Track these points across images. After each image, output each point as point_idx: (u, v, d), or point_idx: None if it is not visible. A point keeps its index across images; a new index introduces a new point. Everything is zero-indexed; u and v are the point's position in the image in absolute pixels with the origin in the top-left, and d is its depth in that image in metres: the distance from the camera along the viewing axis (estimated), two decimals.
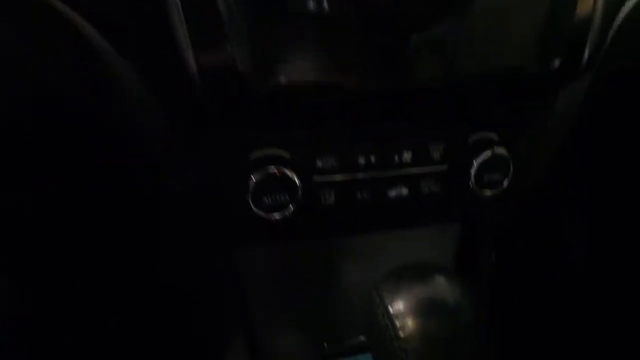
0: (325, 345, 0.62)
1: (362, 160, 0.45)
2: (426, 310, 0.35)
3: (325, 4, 0.34)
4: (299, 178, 0.42)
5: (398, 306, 0.36)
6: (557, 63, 0.42)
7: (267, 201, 0.42)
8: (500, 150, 0.46)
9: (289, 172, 0.41)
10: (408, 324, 0.35)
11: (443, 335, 0.35)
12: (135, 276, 0.50)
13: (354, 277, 0.61)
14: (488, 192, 0.48)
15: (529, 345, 0.66)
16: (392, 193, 0.48)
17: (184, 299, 0.54)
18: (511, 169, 0.47)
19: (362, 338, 0.63)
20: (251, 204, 0.41)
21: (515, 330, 0.66)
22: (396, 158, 0.46)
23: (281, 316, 0.60)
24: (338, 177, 0.45)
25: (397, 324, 0.35)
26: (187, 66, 0.35)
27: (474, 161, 0.46)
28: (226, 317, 0.56)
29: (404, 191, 0.48)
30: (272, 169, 0.41)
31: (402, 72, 0.38)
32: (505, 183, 0.48)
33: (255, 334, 0.60)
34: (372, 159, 0.45)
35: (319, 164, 0.44)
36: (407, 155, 0.46)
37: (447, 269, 0.38)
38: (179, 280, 0.53)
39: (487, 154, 0.46)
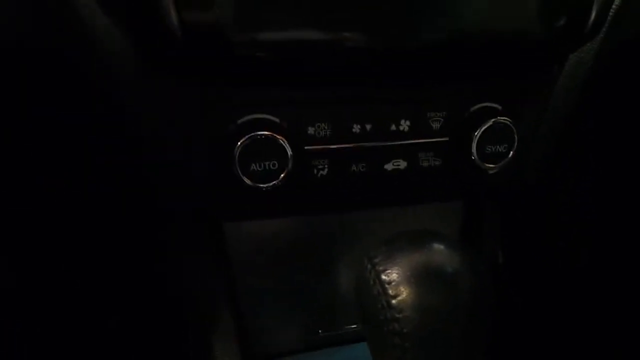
0: (320, 332, 0.59)
1: (357, 129, 0.43)
2: (422, 277, 0.32)
3: None
4: (289, 145, 0.40)
5: (391, 273, 0.33)
6: (561, 25, 0.40)
7: (255, 168, 0.40)
8: (504, 120, 0.44)
9: (278, 138, 0.39)
10: (402, 292, 0.32)
11: (439, 304, 0.32)
12: (119, 247, 0.48)
13: (348, 257, 0.58)
14: (491, 166, 0.46)
15: (528, 330, 0.63)
16: (389, 166, 0.45)
17: (168, 277, 0.52)
18: (516, 140, 0.45)
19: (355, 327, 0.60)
20: (238, 170, 0.39)
21: (515, 315, 0.62)
22: (393, 127, 0.44)
23: (270, 299, 0.58)
24: (331, 147, 0.43)
25: (390, 292, 0.32)
26: (168, 21, 0.33)
27: (476, 132, 0.44)
28: (213, 300, 0.53)
29: (402, 164, 0.45)
30: (261, 134, 0.39)
31: (397, 30, 0.36)
32: (510, 155, 0.45)
33: (243, 318, 0.57)
34: (368, 127, 0.43)
35: (311, 131, 0.42)
36: (405, 125, 0.44)
37: (446, 236, 0.36)
38: (164, 255, 0.51)
39: (489, 123, 0.44)
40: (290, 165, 0.40)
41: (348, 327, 0.61)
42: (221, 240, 0.52)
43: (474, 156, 0.44)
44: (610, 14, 0.44)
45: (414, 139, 0.45)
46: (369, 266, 0.34)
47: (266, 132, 0.39)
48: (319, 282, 0.58)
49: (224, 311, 0.53)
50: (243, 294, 0.56)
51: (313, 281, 0.58)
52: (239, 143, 0.39)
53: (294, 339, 0.59)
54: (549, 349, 0.63)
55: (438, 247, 0.34)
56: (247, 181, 0.40)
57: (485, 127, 0.44)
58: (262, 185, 0.40)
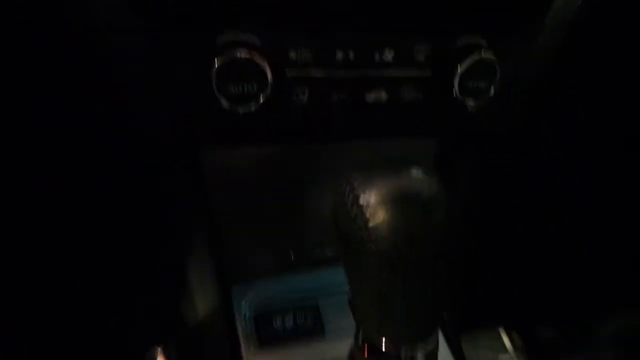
0: (292, 254, 0.60)
1: (339, 56, 0.42)
2: (398, 200, 0.33)
3: None
4: (270, 68, 0.38)
5: (369, 195, 0.33)
6: None
7: (233, 90, 0.38)
8: (488, 55, 0.43)
9: (258, 59, 0.38)
10: (378, 214, 0.32)
11: (414, 228, 0.32)
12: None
13: (324, 186, 0.58)
14: (472, 102, 0.45)
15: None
16: (371, 96, 0.44)
17: (147, 203, 0.51)
18: (498, 76, 0.45)
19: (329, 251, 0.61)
20: (215, 90, 0.38)
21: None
22: (377, 57, 0.43)
23: (247, 225, 0.58)
24: (313, 73, 0.42)
25: (367, 213, 0.32)
26: None
27: (460, 66, 0.43)
28: (190, 221, 0.53)
29: (383, 95, 0.45)
30: (240, 52, 0.37)
31: None
32: (491, 91, 0.45)
33: (220, 244, 0.57)
34: (351, 55, 0.42)
35: (293, 55, 0.40)
36: (389, 55, 0.43)
37: (424, 166, 0.36)
38: (144, 181, 0.50)
39: (473, 58, 0.43)
40: (269, 90, 0.39)
41: (322, 251, 0.62)
42: (199, 167, 0.51)
43: (456, 91, 0.44)
44: None
45: (398, 70, 0.44)
46: (347, 189, 0.34)
47: (246, 53, 0.37)
48: (295, 210, 0.58)
49: (200, 236, 0.53)
50: (220, 220, 0.56)
51: (289, 208, 0.58)
52: (217, 62, 0.37)
53: (270, 263, 0.60)
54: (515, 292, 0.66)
55: (416, 173, 0.35)
56: (225, 103, 0.39)
57: (469, 61, 0.43)
58: (240, 108, 0.39)
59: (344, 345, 0.54)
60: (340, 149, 0.55)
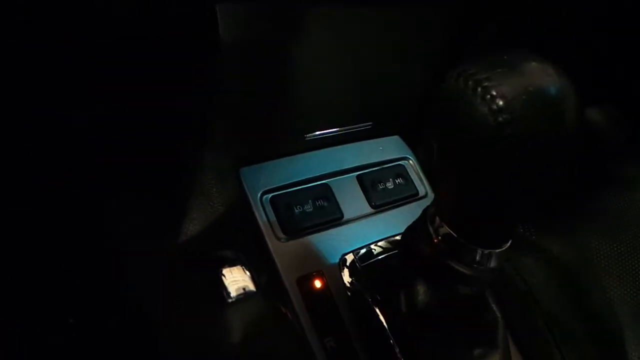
0: (302, 136, 0.55)
1: None
2: (536, 95, 0.29)
3: None
4: None
5: (505, 87, 0.29)
6: None
7: None
8: None
9: None
10: (517, 107, 0.29)
11: (554, 123, 0.30)
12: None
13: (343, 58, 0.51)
14: None
15: None
16: None
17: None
18: None
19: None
20: None
21: None
22: None
23: (259, 99, 0.50)
24: None
25: (503, 105, 0.29)
26: None
27: None
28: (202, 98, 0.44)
29: None
30: None
31: None
32: None
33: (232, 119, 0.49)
34: None
35: None
36: None
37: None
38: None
39: None
40: None
41: (335, 129, 0.58)
42: (214, 25, 0.40)
43: None
44: None
45: None
46: (471, 82, 0.30)
47: None
48: (310, 83, 0.51)
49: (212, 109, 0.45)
50: (232, 93, 0.47)
51: (304, 81, 0.51)
52: None
53: (283, 141, 0.55)
54: None
55: (545, 68, 0.31)
56: None
57: None
58: None
59: (362, 228, 0.55)
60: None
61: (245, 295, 0.42)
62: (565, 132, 0.30)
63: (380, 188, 0.59)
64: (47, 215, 0.42)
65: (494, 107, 0.29)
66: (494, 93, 0.29)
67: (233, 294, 0.42)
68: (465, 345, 0.43)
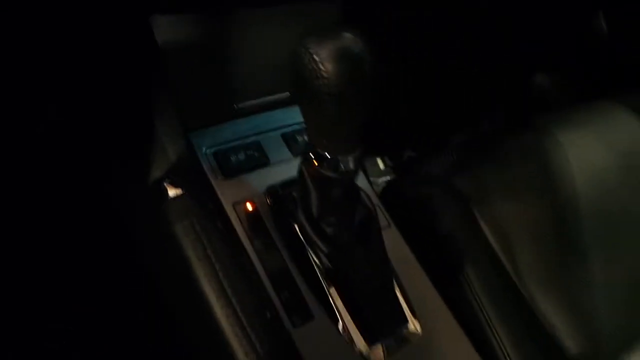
0: (235, 106, 0.75)
1: None
2: (341, 56, 0.49)
3: None
4: None
5: (321, 53, 0.49)
6: None
7: None
8: None
9: None
10: (328, 67, 0.48)
11: (353, 75, 0.50)
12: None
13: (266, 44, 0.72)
14: None
15: None
16: None
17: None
18: None
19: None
20: None
21: None
22: None
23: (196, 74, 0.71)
24: None
25: (321, 67, 0.48)
26: None
27: None
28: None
29: None
30: None
31: None
32: None
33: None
34: None
35: None
36: None
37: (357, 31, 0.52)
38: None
39: None
40: None
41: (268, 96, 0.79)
42: (150, 33, 0.60)
43: None
44: None
45: None
46: (304, 50, 0.50)
47: None
48: (238, 65, 0.72)
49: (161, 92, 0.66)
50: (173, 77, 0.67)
51: (234, 64, 0.71)
52: None
53: (219, 112, 0.75)
54: None
55: (349, 36, 0.50)
56: None
57: None
58: None
59: (284, 169, 0.74)
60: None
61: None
62: (362, 80, 0.50)
63: (300, 141, 0.79)
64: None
65: (315, 66, 0.49)
66: (315, 57, 0.49)
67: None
68: (347, 233, 0.64)
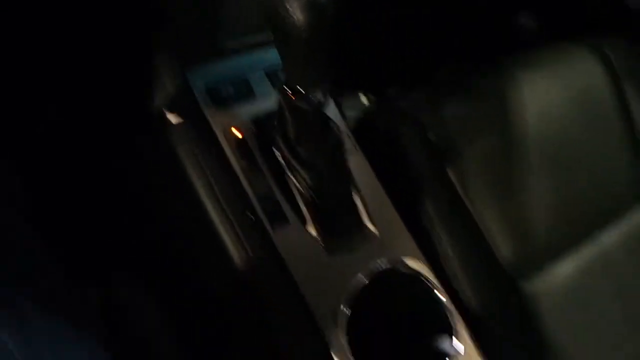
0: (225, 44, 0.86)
1: None
2: (308, 6, 0.59)
3: None
4: None
5: (292, 3, 0.59)
6: None
7: None
8: None
9: None
10: (298, 13, 0.59)
11: (320, 22, 0.60)
12: None
13: None
14: None
15: None
16: None
17: None
18: None
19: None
20: None
21: None
22: None
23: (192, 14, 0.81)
24: None
25: (292, 11, 0.59)
26: None
27: None
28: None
29: None
30: None
31: None
32: None
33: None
34: None
35: None
36: None
37: None
38: None
39: None
40: None
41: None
42: None
43: None
44: None
45: None
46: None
47: None
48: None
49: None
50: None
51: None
52: None
53: (211, 52, 0.85)
54: None
55: None
56: None
57: None
58: None
59: (267, 102, 0.86)
60: None
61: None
62: (326, 27, 0.60)
63: (281, 77, 0.90)
64: None
65: (289, 14, 0.59)
66: (287, 6, 0.59)
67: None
68: (318, 157, 0.77)
